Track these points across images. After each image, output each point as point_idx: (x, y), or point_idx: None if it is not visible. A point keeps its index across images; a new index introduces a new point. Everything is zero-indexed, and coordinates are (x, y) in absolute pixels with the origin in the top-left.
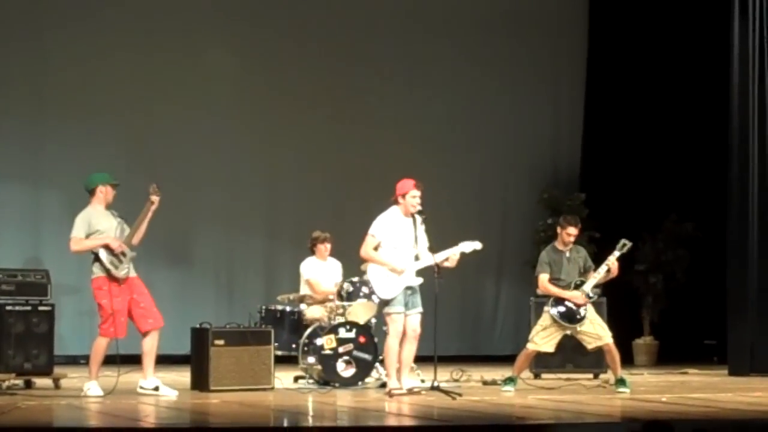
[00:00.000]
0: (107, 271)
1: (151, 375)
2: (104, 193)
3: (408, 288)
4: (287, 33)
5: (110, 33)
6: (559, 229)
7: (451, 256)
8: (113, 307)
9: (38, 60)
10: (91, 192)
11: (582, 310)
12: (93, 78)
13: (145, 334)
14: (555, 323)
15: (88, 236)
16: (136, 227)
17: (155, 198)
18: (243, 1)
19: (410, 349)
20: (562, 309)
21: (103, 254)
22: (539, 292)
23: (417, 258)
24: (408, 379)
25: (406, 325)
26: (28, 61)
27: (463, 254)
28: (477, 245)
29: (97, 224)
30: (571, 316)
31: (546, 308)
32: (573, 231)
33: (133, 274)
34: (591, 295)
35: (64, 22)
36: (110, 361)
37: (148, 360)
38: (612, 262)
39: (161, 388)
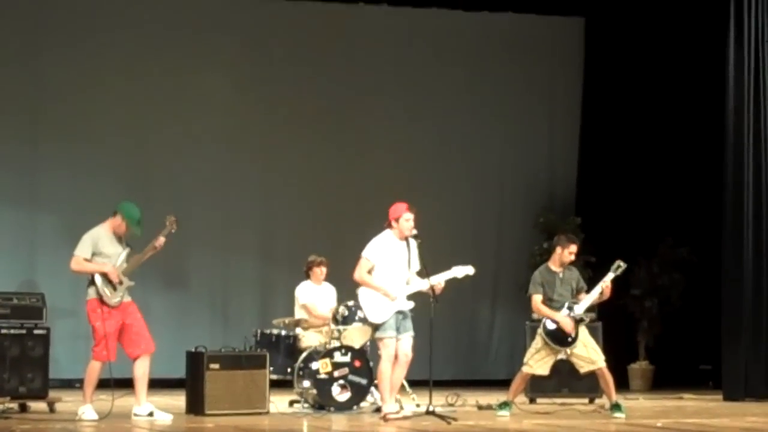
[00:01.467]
0: (100, 296)
1: (145, 401)
2: (118, 225)
3: (399, 312)
4: (283, 56)
5: (105, 58)
6: (559, 249)
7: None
8: (106, 330)
9: (34, 84)
10: (114, 214)
11: (573, 333)
12: (88, 102)
13: (135, 359)
14: (547, 345)
15: (92, 256)
16: (135, 262)
17: (162, 241)
18: (237, 27)
19: (400, 373)
20: (551, 329)
21: (98, 279)
22: (534, 315)
23: (408, 282)
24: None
25: (397, 350)
26: (24, 86)
27: (456, 279)
28: (470, 270)
29: (102, 247)
30: (562, 338)
31: (539, 330)
32: (575, 248)
33: (127, 299)
34: (584, 317)
35: (59, 47)
36: (104, 385)
37: (141, 386)
38: (606, 283)
39: (156, 413)
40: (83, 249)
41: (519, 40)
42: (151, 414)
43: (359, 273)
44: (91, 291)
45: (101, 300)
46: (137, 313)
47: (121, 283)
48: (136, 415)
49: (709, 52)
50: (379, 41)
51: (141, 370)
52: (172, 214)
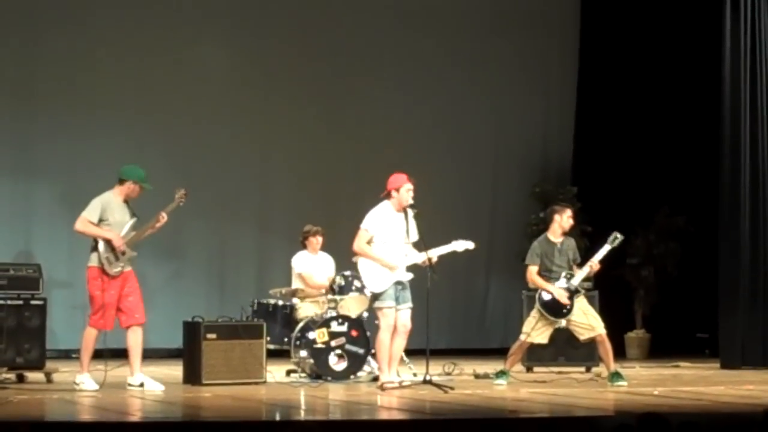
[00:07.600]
0: (101, 264)
1: (138, 371)
2: (130, 189)
3: (398, 283)
4: (279, 30)
5: (102, 28)
6: (556, 217)
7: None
8: (105, 300)
9: (29, 54)
10: (121, 182)
11: (568, 304)
12: (85, 72)
13: (127, 329)
14: (543, 316)
15: (99, 222)
16: (139, 234)
17: (164, 216)
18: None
19: (399, 343)
20: (546, 300)
21: (101, 247)
22: (530, 285)
23: (406, 254)
24: (395, 375)
25: (396, 320)
26: (20, 56)
27: (455, 252)
28: (470, 245)
29: (111, 214)
30: (557, 309)
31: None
32: (571, 212)
33: (128, 268)
34: (579, 289)
35: (55, 17)
36: (98, 355)
37: (134, 356)
38: (603, 255)
39: (147, 384)
40: (91, 212)
41: (514, 10)
42: (141, 384)
43: (358, 244)
44: (93, 258)
45: (102, 269)
46: (136, 282)
47: (123, 253)
48: (130, 385)
49: (706, 21)
50: (374, 13)
51: (134, 340)
52: (182, 188)
